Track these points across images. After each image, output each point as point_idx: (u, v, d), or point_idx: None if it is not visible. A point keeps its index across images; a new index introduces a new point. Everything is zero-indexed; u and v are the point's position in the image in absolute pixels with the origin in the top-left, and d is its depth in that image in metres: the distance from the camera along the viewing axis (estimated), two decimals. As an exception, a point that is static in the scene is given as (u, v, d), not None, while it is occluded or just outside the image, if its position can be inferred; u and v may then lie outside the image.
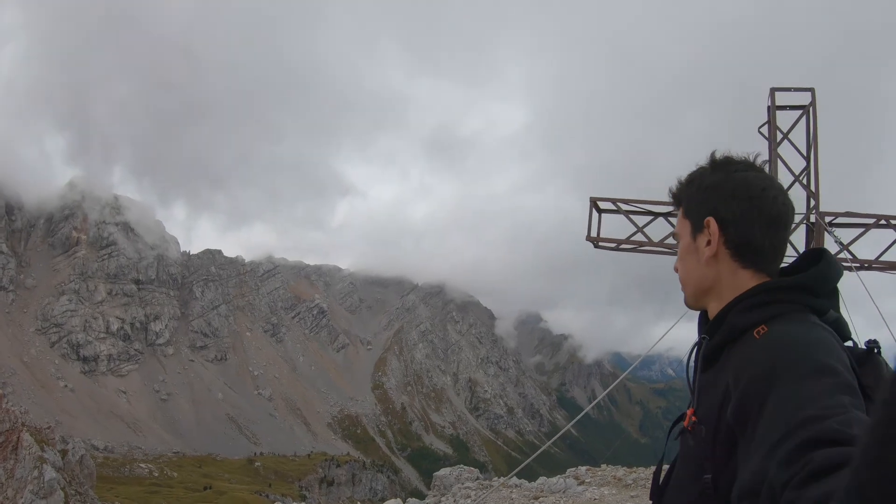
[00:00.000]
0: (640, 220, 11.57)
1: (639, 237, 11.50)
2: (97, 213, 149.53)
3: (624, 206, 11.67)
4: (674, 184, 1.69)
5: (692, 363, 1.63)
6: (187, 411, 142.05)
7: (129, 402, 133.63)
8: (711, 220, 1.55)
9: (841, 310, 1.50)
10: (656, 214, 11.40)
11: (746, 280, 1.52)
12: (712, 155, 1.62)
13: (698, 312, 1.68)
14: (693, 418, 1.49)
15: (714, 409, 1.40)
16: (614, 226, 11.80)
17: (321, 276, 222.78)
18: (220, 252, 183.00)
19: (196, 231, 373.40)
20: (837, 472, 0.93)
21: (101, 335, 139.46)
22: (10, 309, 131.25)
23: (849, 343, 1.45)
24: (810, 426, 1.06)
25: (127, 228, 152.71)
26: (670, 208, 10.33)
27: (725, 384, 1.38)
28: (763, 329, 1.40)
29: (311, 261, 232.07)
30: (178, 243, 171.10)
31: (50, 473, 23.93)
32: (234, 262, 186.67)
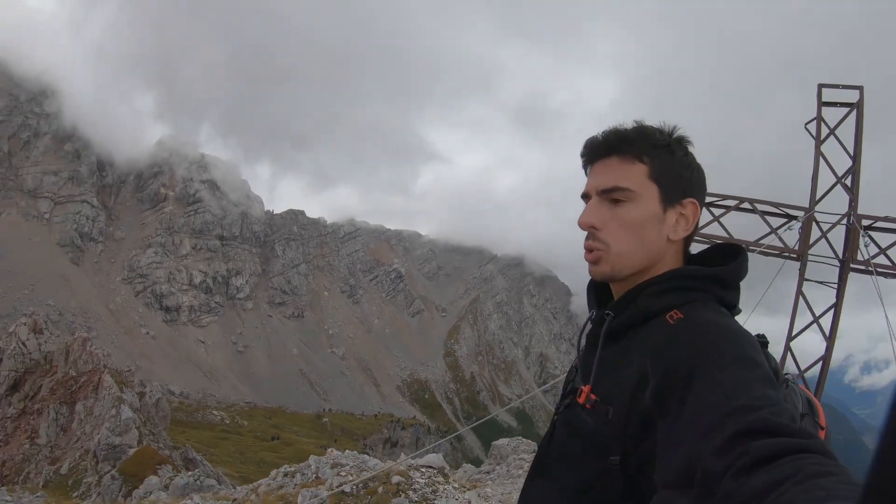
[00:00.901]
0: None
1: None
2: (184, 170, 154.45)
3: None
4: (620, 130, 1.48)
5: (583, 338, 1.56)
6: (262, 364, 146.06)
7: (206, 351, 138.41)
8: (696, 203, 1.47)
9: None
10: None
11: (678, 261, 1.49)
12: (673, 128, 1.49)
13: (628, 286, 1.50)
14: (592, 396, 1.40)
15: (626, 391, 1.34)
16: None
17: (401, 241, 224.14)
18: (302, 213, 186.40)
19: (280, 191, 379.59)
20: (776, 462, 0.92)
21: (184, 287, 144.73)
22: (99, 259, 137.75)
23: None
24: (744, 415, 1.06)
25: (213, 186, 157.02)
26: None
27: (641, 367, 1.32)
28: (677, 314, 1.36)
29: (393, 225, 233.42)
30: (261, 202, 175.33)
31: (127, 413, 24.55)
32: (317, 223, 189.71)
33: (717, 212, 10.88)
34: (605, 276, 1.47)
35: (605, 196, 1.46)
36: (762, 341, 1.42)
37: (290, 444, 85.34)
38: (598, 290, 1.60)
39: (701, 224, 10.00)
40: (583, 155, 1.53)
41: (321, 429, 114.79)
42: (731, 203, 11.03)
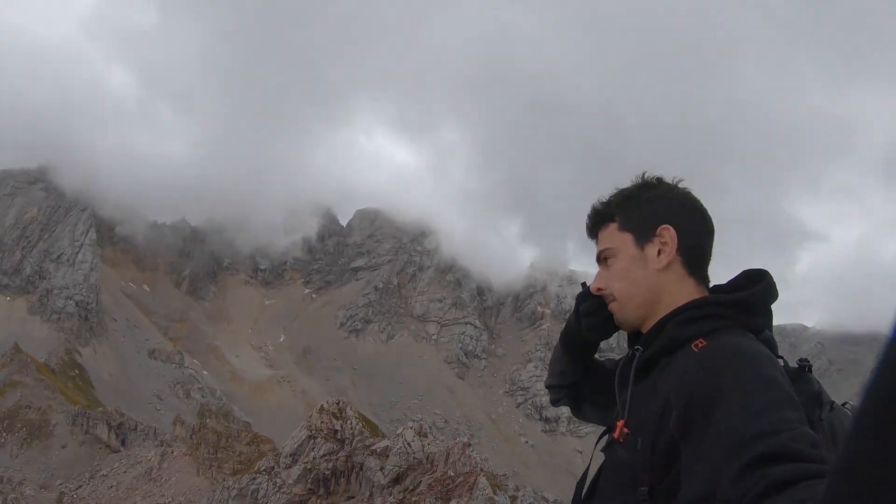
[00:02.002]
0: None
1: None
2: (556, 287, 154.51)
3: None
4: (595, 205, 1.69)
5: (623, 377, 1.58)
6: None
7: (583, 461, 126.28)
8: (669, 228, 1.55)
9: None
10: None
11: (692, 288, 1.54)
12: (643, 175, 1.65)
13: None
14: (625, 430, 1.44)
15: (652, 421, 1.37)
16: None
17: (785, 337, 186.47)
18: None
19: None
20: (790, 489, 0.92)
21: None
22: (483, 374, 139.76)
23: (780, 361, 1.43)
24: (762, 441, 1.05)
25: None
26: None
27: (665, 395, 1.35)
28: (702, 342, 1.38)
29: (775, 320, 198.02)
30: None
31: None
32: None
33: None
34: (621, 323, 1.63)
35: (602, 263, 1.66)
36: (804, 365, 1.44)
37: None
38: (633, 335, 1.65)
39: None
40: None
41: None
42: None
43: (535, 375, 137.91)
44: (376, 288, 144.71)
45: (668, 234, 1.54)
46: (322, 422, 33.27)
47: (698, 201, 1.61)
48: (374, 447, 31.65)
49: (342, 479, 31.31)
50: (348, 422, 33.63)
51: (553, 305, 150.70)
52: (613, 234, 1.63)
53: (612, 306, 1.62)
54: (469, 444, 31.59)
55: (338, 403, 34.81)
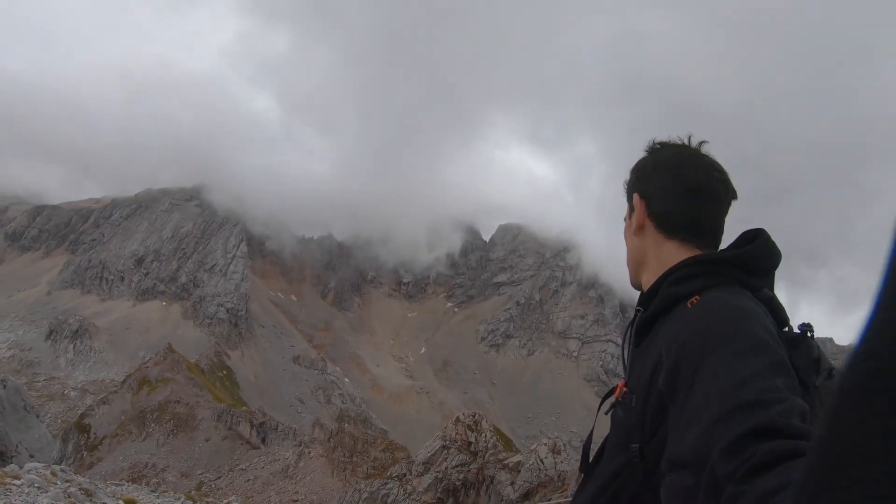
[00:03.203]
0: None
1: None
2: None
3: None
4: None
5: (627, 338, 1.61)
6: None
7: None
8: (636, 195, 1.63)
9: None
10: None
11: (671, 251, 1.55)
12: (650, 141, 1.67)
13: None
14: (624, 389, 1.46)
15: (645, 378, 1.38)
16: None
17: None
18: (830, 340, 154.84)
19: (799, 315, 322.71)
20: (780, 466, 0.92)
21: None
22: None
23: (785, 329, 1.41)
24: (751, 413, 1.05)
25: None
26: None
27: (658, 352, 1.35)
28: (696, 299, 1.38)
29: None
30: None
31: None
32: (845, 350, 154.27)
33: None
34: (631, 285, 1.71)
35: None
36: (806, 330, 1.40)
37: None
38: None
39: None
40: None
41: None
42: None
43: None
44: (518, 303, 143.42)
45: (635, 201, 1.62)
46: (457, 433, 32.57)
47: (678, 160, 1.58)
48: (506, 461, 30.83)
49: (472, 491, 30.69)
50: (483, 434, 32.78)
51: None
52: (626, 204, 1.72)
53: None
54: None
55: (474, 416, 34.01)
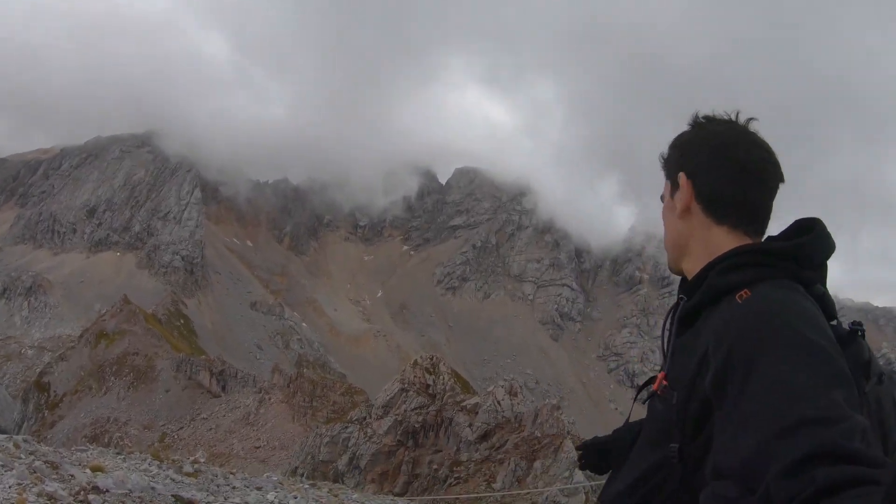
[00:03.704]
0: None
1: None
2: (654, 249, 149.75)
3: None
4: (662, 152, 1.64)
5: (668, 326, 1.53)
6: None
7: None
8: (682, 174, 1.50)
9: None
10: None
11: (721, 237, 1.45)
12: (694, 115, 1.56)
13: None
14: (664, 382, 1.39)
15: (689, 375, 1.30)
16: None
17: (890, 321, 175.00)
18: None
19: None
20: (839, 495, 0.88)
21: (657, 367, 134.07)
22: (577, 337, 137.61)
23: (833, 323, 1.33)
24: (811, 432, 0.99)
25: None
26: None
27: (704, 349, 1.27)
28: (746, 293, 1.29)
29: (881, 301, 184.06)
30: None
31: (579, 477, 26.44)
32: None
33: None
34: (669, 269, 1.63)
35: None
36: (857, 330, 1.31)
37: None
38: (684, 281, 1.59)
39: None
40: None
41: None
42: None
43: (630, 342, 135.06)
44: (474, 246, 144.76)
45: (681, 180, 1.50)
46: (415, 376, 33.59)
47: (729, 139, 1.46)
48: (464, 403, 31.84)
49: (431, 433, 31.66)
50: (440, 377, 33.83)
51: (651, 271, 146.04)
52: (665, 185, 1.62)
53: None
54: (558, 407, 31.62)
55: (431, 359, 34.97)
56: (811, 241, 1.36)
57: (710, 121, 1.52)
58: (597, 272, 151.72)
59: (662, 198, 1.64)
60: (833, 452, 0.94)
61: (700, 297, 1.38)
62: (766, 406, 1.06)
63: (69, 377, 52.34)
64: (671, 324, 1.47)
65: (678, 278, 1.58)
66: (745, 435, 1.06)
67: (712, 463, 1.13)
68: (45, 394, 51.31)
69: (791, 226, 1.44)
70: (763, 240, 1.46)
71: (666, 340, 1.49)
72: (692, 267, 1.48)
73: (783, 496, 0.93)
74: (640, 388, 1.56)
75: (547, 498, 24.24)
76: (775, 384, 1.07)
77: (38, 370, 58.72)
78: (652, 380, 1.48)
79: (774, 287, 1.28)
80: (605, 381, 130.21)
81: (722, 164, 1.45)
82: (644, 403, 1.51)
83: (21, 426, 46.55)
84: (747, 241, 1.43)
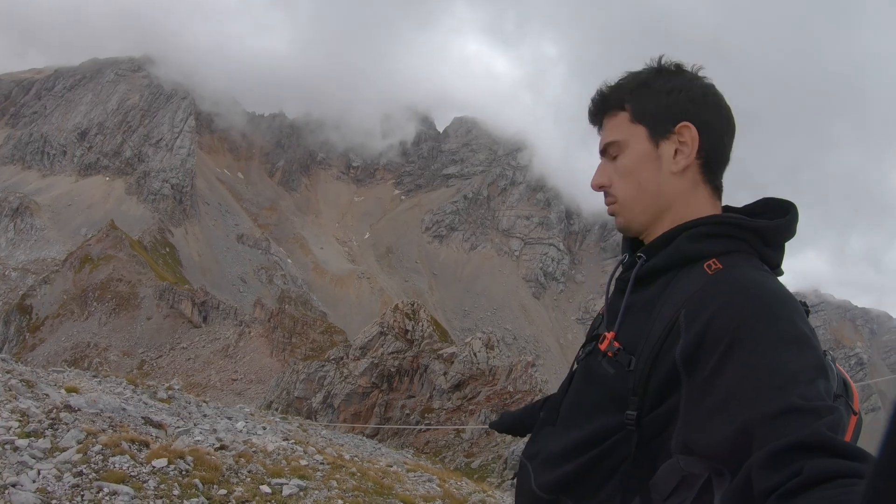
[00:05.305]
0: None
1: None
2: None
3: None
4: (601, 88, 1.44)
5: (618, 284, 1.43)
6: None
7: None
8: (690, 126, 1.32)
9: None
10: None
11: (704, 199, 1.35)
12: (660, 59, 1.40)
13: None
14: (615, 343, 1.30)
15: (652, 341, 1.22)
16: None
17: (867, 322, 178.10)
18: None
19: None
20: (823, 486, 0.87)
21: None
22: (558, 297, 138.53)
23: None
24: (800, 422, 0.97)
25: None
26: None
27: (672, 316, 1.20)
28: (716, 264, 1.23)
29: (861, 302, 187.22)
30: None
31: None
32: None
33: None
34: (622, 228, 1.42)
35: (606, 156, 1.43)
36: (805, 310, 1.27)
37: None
38: (634, 239, 1.46)
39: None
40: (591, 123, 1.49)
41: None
42: None
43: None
44: (465, 197, 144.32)
45: (688, 132, 1.32)
46: (395, 320, 33.77)
47: (722, 97, 1.37)
48: (440, 352, 32.25)
49: (406, 378, 32.14)
50: (420, 324, 34.03)
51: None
52: (623, 125, 1.39)
53: (613, 208, 1.42)
54: (533, 365, 31.94)
55: (412, 305, 35.06)
56: (787, 223, 1.31)
57: (688, 70, 1.39)
58: (585, 235, 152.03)
59: (608, 148, 1.42)
60: (820, 444, 0.94)
61: (665, 260, 1.30)
62: (750, 389, 1.03)
63: (52, 301, 52.67)
64: (629, 281, 1.35)
65: None
66: (725, 416, 1.03)
67: (681, 438, 1.11)
68: (27, 316, 51.71)
69: (760, 202, 1.37)
70: (723, 208, 1.39)
71: (614, 299, 1.40)
72: (664, 228, 1.36)
73: (766, 484, 0.92)
74: (582, 346, 1.45)
75: (514, 452, 24.35)
76: (761, 368, 1.05)
77: (21, 293, 59.02)
78: (595, 338, 1.39)
79: (747, 265, 1.23)
80: (581, 343, 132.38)
81: (722, 120, 1.36)
82: (579, 363, 1.42)
83: (1, 348, 46.93)
84: (719, 204, 1.36)
